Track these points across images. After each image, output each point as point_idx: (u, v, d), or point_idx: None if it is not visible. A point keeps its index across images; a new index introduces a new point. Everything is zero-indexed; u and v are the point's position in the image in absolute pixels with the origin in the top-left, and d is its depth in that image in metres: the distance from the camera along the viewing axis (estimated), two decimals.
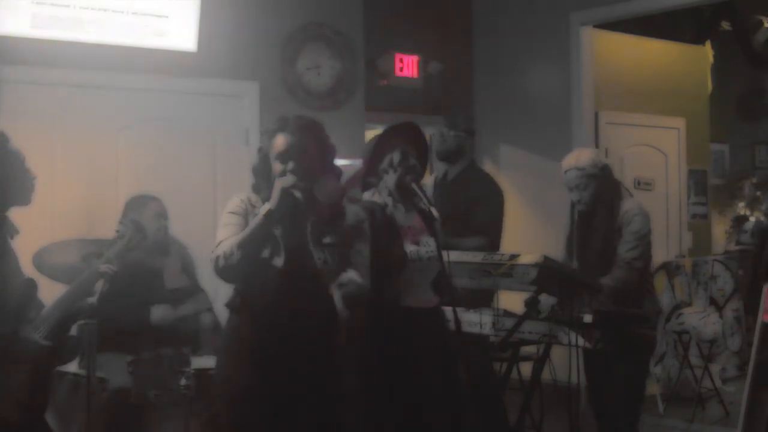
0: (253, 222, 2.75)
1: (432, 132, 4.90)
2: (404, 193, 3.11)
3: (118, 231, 3.31)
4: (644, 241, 3.59)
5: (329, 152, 2.91)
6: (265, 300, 2.76)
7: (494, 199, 4.41)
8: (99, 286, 3.16)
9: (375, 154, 3.15)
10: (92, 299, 3.12)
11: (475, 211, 4.26)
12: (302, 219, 2.84)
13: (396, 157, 3.09)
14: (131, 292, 3.65)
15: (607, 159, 3.73)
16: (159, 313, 3.80)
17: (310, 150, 2.83)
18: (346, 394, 2.87)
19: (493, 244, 4.21)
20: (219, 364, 2.93)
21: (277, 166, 2.83)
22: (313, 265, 2.82)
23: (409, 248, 3.06)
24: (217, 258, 2.73)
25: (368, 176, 3.17)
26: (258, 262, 2.75)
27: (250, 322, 2.80)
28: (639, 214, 3.60)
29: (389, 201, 3.12)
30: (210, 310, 3.99)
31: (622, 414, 3.60)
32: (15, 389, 2.86)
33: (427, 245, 3.10)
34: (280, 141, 2.83)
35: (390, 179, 3.10)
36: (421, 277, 3.09)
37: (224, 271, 2.75)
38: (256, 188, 2.92)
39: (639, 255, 3.57)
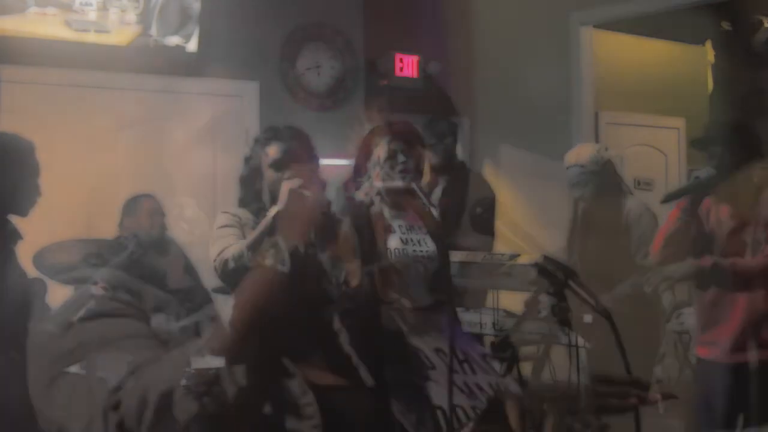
0: (262, 224, 2.71)
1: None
2: (392, 191, 3.06)
3: (122, 242, 3.29)
4: None
5: (316, 162, 2.94)
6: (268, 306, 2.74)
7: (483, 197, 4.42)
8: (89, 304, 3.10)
9: (362, 152, 3.12)
10: (79, 315, 3.06)
11: (464, 211, 4.27)
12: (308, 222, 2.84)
13: (383, 155, 3.03)
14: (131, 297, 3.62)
15: (610, 153, 3.69)
16: (158, 321, 3.77)
17: (302, 159, 2.89)
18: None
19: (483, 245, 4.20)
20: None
21: (270, 174, 2.82)
22: (315, 270, 2.81)
23: (393, 246, 2.99)
24: (226, 261, 2.68)
25: (357, 175, 3.14)
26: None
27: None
28: (644, 213, 3.57)
29: (376, 199, 3.07)
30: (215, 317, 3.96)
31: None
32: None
33: (420, 244, 3.05)
34: (275, 149, 2.85)
35: (376, 177, 3.03)
36: (411, 276, 3.01)
37: (234, 273, 2.67)
38: (243, 202, 2.89)
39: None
